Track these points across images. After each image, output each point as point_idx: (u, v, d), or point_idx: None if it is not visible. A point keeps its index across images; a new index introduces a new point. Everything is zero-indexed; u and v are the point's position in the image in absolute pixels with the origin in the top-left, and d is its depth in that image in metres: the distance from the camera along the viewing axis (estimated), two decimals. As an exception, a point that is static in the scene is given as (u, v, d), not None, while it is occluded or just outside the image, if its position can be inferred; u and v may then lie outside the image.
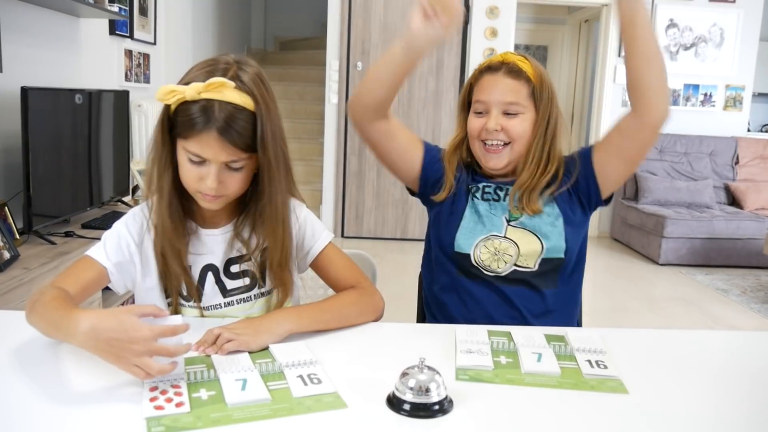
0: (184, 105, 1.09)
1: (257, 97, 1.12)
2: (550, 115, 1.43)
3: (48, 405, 0.88)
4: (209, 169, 1.11)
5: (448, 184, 1.48)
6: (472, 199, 1.48)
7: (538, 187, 1.43)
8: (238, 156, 1.12)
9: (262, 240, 1.23)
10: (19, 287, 2.08)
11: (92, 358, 1.02)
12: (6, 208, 2.41)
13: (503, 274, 1.42)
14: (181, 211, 1.20)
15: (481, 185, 1.49)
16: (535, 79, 1.41)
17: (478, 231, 1.44)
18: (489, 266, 1.43)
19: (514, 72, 1.41)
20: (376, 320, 1.30)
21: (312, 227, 1.33)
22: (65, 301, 1.04)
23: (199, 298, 1.25)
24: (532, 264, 1.42)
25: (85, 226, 2.81)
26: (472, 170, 1.52)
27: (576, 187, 1.45)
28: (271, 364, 1.01)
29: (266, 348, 1.09)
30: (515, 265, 1.42)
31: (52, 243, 2.50)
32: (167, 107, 1.13)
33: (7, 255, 2.19)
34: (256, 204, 1.22)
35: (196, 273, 1.25)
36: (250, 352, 1.07)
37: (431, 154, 1.52)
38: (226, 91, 1.08)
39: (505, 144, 1.42)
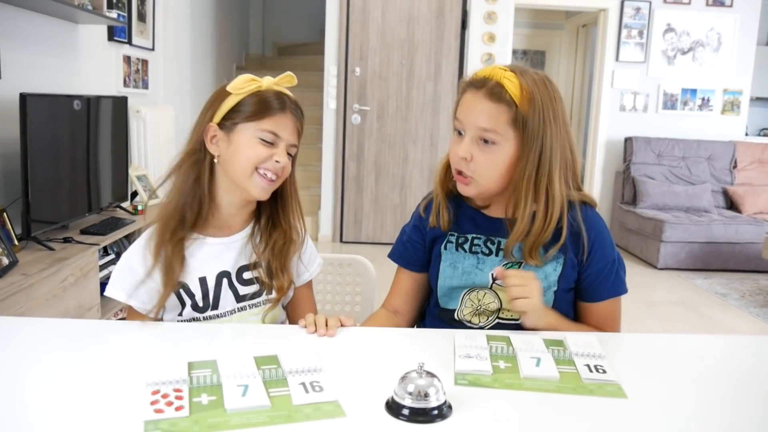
0: (258, 95, 1.23)
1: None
2: (543, 146, 1.21)
3: (48, 406, 0.88)
4: (279, 148, 1.25)
5: (443, 218, 1.35)
6: (456, 249, 1.34)
7: (541, 241, 1.26)
8: (298, 141, 1.29)
9: (272, 243, 1.31)
10: (18, 293, 2.08)
11: (94, 362, 1.02)
12: (5, 214, 2.41)
13: (486, 327, 1.34)
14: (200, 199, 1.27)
15: (469, 236, 1.34)
16: (522, 101, 1.20)
17: (459, 287, 1.34)
18: (470, 321, 1.34)
19: (495, 94, 1.20)
20: None
21: (311, 251, 1.41)
22: None
23: (216, 306, 1.29)
24: (516, 315, 1.29)
25: (83, 232, 2.81)
26: (457, 206, 1.37)
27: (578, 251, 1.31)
28: (275, 371, 1.00)
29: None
30: (498, 318, 1.33)
31: (51, 249, 2.50)
32: (214, 112, 1.24)
33: (5, 261, 2.18)
34: (276, 205, 1.33)
35: (212, 281, 1.29)
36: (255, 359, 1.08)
37: (415, 256, 1.42)
38: (291, 87, 1.29)
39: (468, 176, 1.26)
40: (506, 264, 1.31)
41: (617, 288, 1.34)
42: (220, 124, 1.24)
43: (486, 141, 1.23)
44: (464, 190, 1.29)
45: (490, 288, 1.32)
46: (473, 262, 1.33)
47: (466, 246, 1.34)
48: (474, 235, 1.34)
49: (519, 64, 1.28)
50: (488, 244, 1.33)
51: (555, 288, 1.31)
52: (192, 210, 1.25)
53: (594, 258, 1.31)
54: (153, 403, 0.89)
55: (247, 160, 1.22)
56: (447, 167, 1.35)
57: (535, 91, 1.21)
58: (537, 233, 1.25)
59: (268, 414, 0.89)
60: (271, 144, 1.23)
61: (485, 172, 1.24)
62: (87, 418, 0.87)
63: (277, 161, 1.23)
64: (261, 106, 1.22)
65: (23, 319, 1.26)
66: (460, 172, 1.27)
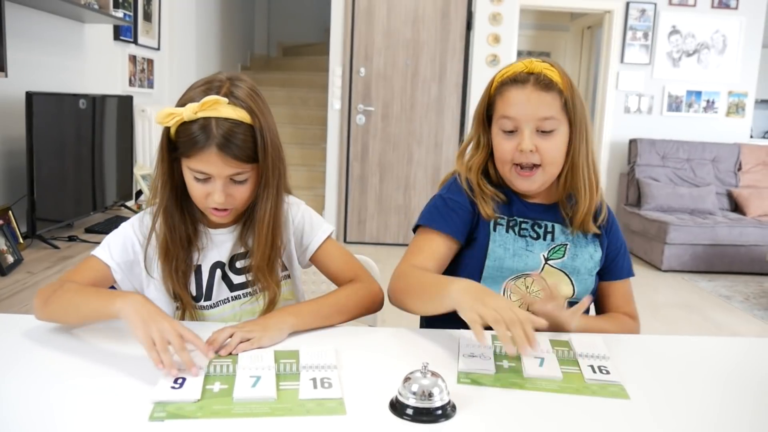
0: (184, 126, 1.14)
1: (252, 109, 1.16)
2: (581, 125, 1.31)
3: (68, 393, 0.89)
4: (215, 185, 1.16)
5: (487, 210, 1.35)
6: (506, 231, 1.36)
7: (593, 210, 1.36)
8: (242, 168, 1.16)
9: (256, 242, 1.26)
10: (23, 291, 2.08)
11: (104, 356, 1.03)
12: (10, 212, 2.42)
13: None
14: (185, 221, 1.24)
15: (518, 220, 1.38)
16: (566, 88, 1.29)
17: (509, 270, 1.35)
18: None
19: (545, 84, 1.27)
20: (375, 311, 1.33)
21: (310, 223, 1.37)
22: (99, 288, 1.17)
23: (209, 296, 1.28)
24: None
25: (88, 231, 2.82)
26: (504, 195, 1.39)
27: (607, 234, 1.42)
28: (291, 365, 1.03)
29: (277, 343, 1.13)
30: None
31: (56, 247, 2.51)
32: (167, 129, 1.17)
33: (10, 259, 2.19)
34: (252, 208, 1.26)
35: (206, 271, 1.29)
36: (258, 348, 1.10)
37: (460, 224, 1.38)
38: (221, 108, 1.13)
39: (536, 166, 1.30)
40: (553, 248, 1.37)
41: (630, 268, 1.47)
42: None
43: (542, 131, 1.28)
44: (528, 183, 1.32)
45: (540, 274, 1.35)
46: (522, 245, 1.36)
47: (516, 229, 1.37)
48: (522, 219, 1.38)
49: (537, 57, 1.36)
50: (535, 228, 1.38)
51: (598, 269, 1.40)
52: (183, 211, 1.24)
53: (612, 237, 1.43)
54: (167, 385, 0.93)
55: (192, 195, 1.20)
56: (481, 166, 1.39)
57: (570, 78, 1.32)
58: (591, 205, 1.35)
59: (271, 406, 0.91)
60: (206, 180, 1.16)
61: (552, 157, 1.30)
62: (98, 395, 0.89)
63: (217, 200, 1.16)
64: (186, 143, 1.14)
65: (29, 317, 1.26)
66: (521, 166, 1.31)
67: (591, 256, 1.38)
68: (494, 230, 1.36)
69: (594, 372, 1.06)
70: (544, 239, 1.37)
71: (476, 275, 1.36)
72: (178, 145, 1.16)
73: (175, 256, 1.23)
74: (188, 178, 1.18)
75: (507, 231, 1.37)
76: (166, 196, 1.21)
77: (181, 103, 1.17)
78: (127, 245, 1.26)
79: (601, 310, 1.47)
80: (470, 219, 1.38)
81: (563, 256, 1.36)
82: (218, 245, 1.29)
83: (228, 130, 1.12)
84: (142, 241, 1.26)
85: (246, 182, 1.19)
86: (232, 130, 1.13)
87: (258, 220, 1.24)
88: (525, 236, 1.37)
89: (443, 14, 5.18)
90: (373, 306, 1.32)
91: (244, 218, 1.29)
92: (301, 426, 0.87)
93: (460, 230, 1.37)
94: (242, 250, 1.30)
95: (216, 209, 1.19)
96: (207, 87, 1.17)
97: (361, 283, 1.33)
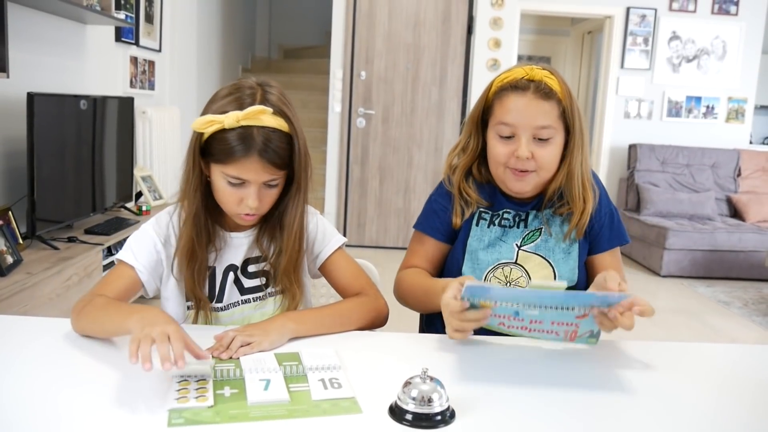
0: (221, 133, 1.15)
1: (288, 116, 1.19)
2: (584, 134, 1.35)
3: (70, 398, 0.89)
4: (249, 190, 1.18)
5: (462, 213, 1.40)
6: (488, 226, 1.40)
7: (585, 220, 1.37)
8: (277, 174, 1.19)
9: (277, 247, 1.29)
10: (22, 291, 2.09)
11: (117, 354, 1.03)
12: (10, 212, 2.42)
13: None
14: (208, 224, 1.26)
15: (501, 212, 1.41)
16: (565, 97, 1.30)
17: (485, 261, 1.38)
18: None
19: (545, 92, 1.29)
20: (379, 326, 1.33)
21: (323, 232, 1.38)
22: (122, 304, 1.18)
23: (221, 299, 1.31)
24: None
25: (88, 232, 2.82)
26: (492, 192, 1.42)
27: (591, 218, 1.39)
28: (296, 367, 1.03)
29: (277, 347, 1.13)
30: None
31: (55, 248, 2.51)
32: (198, 135, 1.18)
33: (10, 259, 2.19)
34: (279, 213, 1.28)
35: (219, 273, 1.30)
36: (260, 351, 1.11)
37: (441, 225, 1.45)
38: (263, 117, 1.15)
39: (530, 170, 1.32)
40: (527, 235, 1.38)
41: (621, 235, 1.44)
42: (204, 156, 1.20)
43: (539, 138, 1.30)
44: (522, 184, 1.33)
45: (515, 263, 1.37)
46: (498, 234, 1.39)
47: (497, 221, 1.40)
48: (505, 210, 1.41)
49: (537, 63, 1.35)
50: (516, 218, 1.40)
51: (575, 245, 1.39)
52: (205, 217, 1.25)
53: (594, 215, 1.39)
54: (178, 393, 0.93)
55: (222, 200, 1.22)
56: (470, 167, 1.41)
57: (569, 86, 1.33)
58: (585, 214, 1.36)
59: (287, 408, 0.92)
60: (240, 185, 1.18)
61: (546, 163, 1.32)
62: (113, 404, 0.90)
63: (251, 205, 1.18)
64: (223, 150, 1.15)
65: (27, 318, 1.26)
66: (516, 171, 1.32)
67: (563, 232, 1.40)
68: (477, 225, 1.40)
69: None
70: (518, 227, 1.39)
71: (457, 271, 1.40)
72: (212, 151, 1.17)
73: (200, 258, 1.25)
74: (220, 183, 1.19)
75: (489, 226, 1.40)
76: (197, 202, 1.23)
77: (216, 111, 1.17)
78: (150, 246, 1.27)
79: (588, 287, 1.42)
80: (452, 219, 1.43)
81: (537, 239, 1.38)
82: (234, 248, 1.31)
83: (268, 137, 1.15)
84: (163, 240, 1.28)
85: (276, 187, 1.22)
86: (271, 137, 1.15)
87: (287, 225, 1.27)
88: (504, 226, 1.40)
89: (444, 18, 5.19)
90: (377, 321, 1.33)
91: (260, 222, 1.31)
92: (316, 427, 0.88)
93: (441, 231, 1.45)
94: (256, 254, 1.31)
95: (247, 214, 1.21)
96: (239, 95, 1.17)
97: (368, 297, 1.34)
